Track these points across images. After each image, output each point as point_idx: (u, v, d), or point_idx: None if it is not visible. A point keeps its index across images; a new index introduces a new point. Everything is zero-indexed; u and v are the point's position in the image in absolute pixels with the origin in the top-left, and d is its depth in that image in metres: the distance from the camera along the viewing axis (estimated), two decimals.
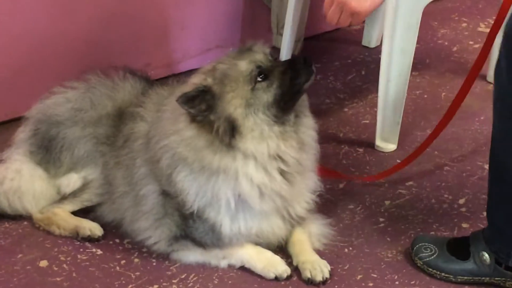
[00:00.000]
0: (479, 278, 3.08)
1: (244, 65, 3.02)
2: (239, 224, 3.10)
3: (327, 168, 3.63)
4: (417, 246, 3.18)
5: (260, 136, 3.00)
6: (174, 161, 3.07)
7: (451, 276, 3.10)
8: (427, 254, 3.14)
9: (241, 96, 2.98)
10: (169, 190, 3.12)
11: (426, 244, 3.18)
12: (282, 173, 3.08)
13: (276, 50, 4.53)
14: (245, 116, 2.98)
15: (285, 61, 3.15)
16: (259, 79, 3.01)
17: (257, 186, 3.04)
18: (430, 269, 3.13)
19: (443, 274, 3.11)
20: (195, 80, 3.06)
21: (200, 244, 3.15)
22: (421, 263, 3.15)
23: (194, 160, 3.02)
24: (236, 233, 3.11)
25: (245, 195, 3.05)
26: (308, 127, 3.16)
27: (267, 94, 3.01)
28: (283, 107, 3.03)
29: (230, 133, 2.97)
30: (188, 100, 2.96)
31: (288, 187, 3.10)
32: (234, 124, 2.97)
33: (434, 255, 3.13)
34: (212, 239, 3.13)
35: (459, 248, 3.12)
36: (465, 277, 3.09)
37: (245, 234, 3.12)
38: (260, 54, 3.07)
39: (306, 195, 3.22)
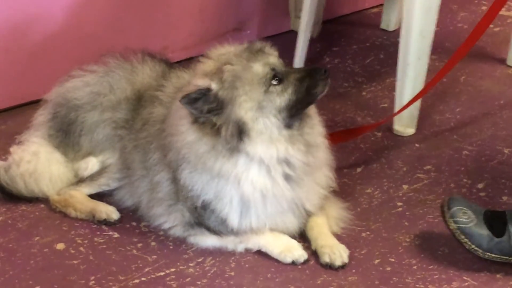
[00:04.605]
0: (507, 258, 3.02)
1: (260, 68, 2.98)
2: (250, 219, 3.10)
3: (338, 132, 3.62)
4: (455, 208, 3.06)
5: (269, 139, 2.99)
6: (179, 159, 3.08)
7: (480, 251, 3.02)
8: (465, 220, 3.03)
9: (253, 99, 2.96)
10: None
11: (465, 209, 3.05)
12: (286, 177, 3.06)
13: (294, 33, 4.51)
14: (256, 119, 2.96)
15: (303, 68, 3.07)
16: (273, 82, 2.98)
17: (260, 190, 3.04)
18: (462, 236, 3.03)
19: (473, 246, 3.02)
20: (199, 83, 3.00)
21: (215, 232, 3.15)
22: (456, 227, 3.03)
23: (197, 162, 3.03)
24: (248, 228, 3.11)
25: (247, 198, 3.05)
26: (311, 126, 3.12)
27: (280, 98, 2.98)
28: (294, 113, 3.01)
29: (238, 136, 2.96)
30: (191, 101, 2.95)
31: (292, 191, 3.08)
32: (243, 128, 2.95)
33: (471, 224, 3.02)
34: (225, 229, 3.13)
35: (495, 222, 3.03)
36: (493, 255, 3.01)
37: (257, 228, 3.12)
38: (274, 57, 3.03)
39: (317, 192, 3.19)
